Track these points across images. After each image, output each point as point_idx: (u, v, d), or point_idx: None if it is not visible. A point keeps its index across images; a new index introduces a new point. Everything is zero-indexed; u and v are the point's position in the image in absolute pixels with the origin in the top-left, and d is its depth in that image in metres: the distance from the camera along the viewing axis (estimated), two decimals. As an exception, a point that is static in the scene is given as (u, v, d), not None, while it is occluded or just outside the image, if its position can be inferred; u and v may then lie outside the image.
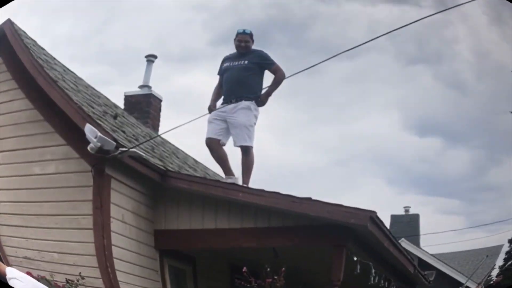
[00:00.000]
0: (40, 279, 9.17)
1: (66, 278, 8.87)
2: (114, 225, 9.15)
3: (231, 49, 10.30)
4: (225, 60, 10.21)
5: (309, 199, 9.14)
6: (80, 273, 8.91)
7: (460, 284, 21.69)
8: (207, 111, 10.03)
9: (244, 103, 9.78)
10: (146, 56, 14.74)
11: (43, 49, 11.14)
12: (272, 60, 9.95)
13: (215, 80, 10.37)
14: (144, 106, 14.28)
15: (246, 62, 9.97)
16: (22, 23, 10.54)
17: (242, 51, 10.02)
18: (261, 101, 9.80)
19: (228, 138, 10.09)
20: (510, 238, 22.92)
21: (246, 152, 9.93)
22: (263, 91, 9.97)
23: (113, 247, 9.11)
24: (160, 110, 14.80)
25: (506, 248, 23.08)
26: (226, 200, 9.61)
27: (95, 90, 12.53)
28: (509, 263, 22.52)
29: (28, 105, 9.86)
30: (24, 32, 10.59)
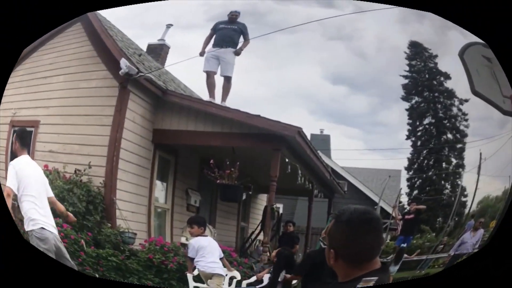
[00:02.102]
0: (53, 170, 10.30)
1: (75, 169, 10.28)
2: (127, 123, 10.65)
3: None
4: (219, 23, 12.17)
5: (258, 116, 10.96)
6: (89, 162, 10.38)
7: (371, 200, 23.02)
8: (198, 55, 11.83)
9: (231, 49, 11.82)
10: (167, 25, 17.37)
11: (108, 21, 12.68)
12: (247, 32, 11.99)
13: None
14: (159, 51, 16.60)
15: (236, 27, 12.02)
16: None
17: (233, 20, 12.08)
18: (237, 53, 11.92)
19: (218, 69, 11.92)
20: (405, 166, 24.96)
21: (228, 80, 11.89)
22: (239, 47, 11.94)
23: (122, 140, 10.56)
24: (167, 53, 16.96)
25: (405, 174, 24.83)
26: (203, 112, 11.29)
27: (132, 41, 14.14)
28: (415, 192, 24.32)
29: (91, 48, 11.37)
30: (99, 13, 11.86)
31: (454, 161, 24.29)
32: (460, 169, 23.99)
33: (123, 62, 10.34)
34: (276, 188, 11.21)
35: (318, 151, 14.35)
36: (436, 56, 23.49)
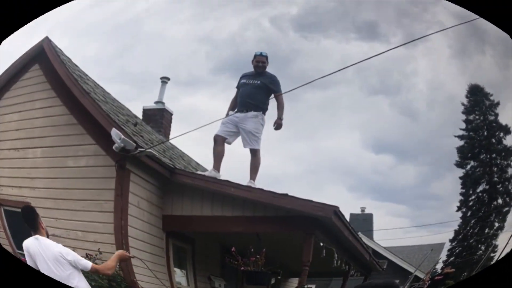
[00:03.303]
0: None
1: (86, 253, 8.87)
2: (131, 209, 9.37)
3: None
4: (243, 77, 10.21)
5: (286, 195, 9.43)
6: (99, 248, 9.03)
7: (409, 272, 21.57)
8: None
9: (252, 113, 9.84)
10: (161, 78, 15.04)
11: (76, 65, 11.28)
12: (279, 88, 9.95)
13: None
14: (158, 118, 14.54)
15: (259, 82, 9.96)
16: (56, 43, 10.74)
17: (259, 71, 10.04)
18: (277, 125, 9.85)
19: (234, 139, 10.08)
20: (451, 238, 23.28)
21: (253, 153, 9.96)
22: (276, 118, 9.92)
23: (129, 227, 9.29)
24: (171, 122, 15.00)
25: (448, 246, 23.28)
26: (220, 193, 9.79)
27: (120, 103, 12.69)
28: (452, 258, 22.95)
29: (65, 111, 10.01)
30: (60, 50, 10.73)
31: (496, 225, 22.44)
32: (499, 231, 22.32)
33: (116, 134, 8.91)
34: (308, 272, 9.88)
35: (359, 233, 12.60)
36: (497, 104, 21.35)
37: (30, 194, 10.01)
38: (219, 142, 10.03)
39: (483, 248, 23.38)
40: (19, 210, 9.61)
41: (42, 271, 5.61)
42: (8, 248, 9.72)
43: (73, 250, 8.70)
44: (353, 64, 7.58)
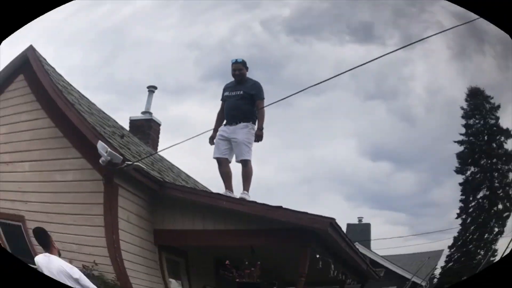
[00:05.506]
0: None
1: (82, 264, 8.68)
2: (121, 224, 9.00)
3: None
4: (226, 89, 9.68)
5: (280, 207, 9.00)
6: (94, 260, 8.80)
7: (406, 279, 21.17)
8: (209, 141, 9.57)
9: (242, 124, 9.28)
10: (148, 87, 14.48)
11: (61, 75, 10.85)
12: (261, 94, 9.42)
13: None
14: (146, 129, 13.98)
15: (241, 92, 9.42)
16: (40, 51, 10.33)
17: (238, 79, 9.49)
18: (257, 137, 9.26)
19: (232, 156, 9.53)
20: (449, 244, 22.66)
21: (245, 164, 9.40)
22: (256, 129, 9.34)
23: (120, 241, 8.95)
24: (159, 132, 14.45)
25: (446, 252, 22.82)
26: (212, 207, 9.38)
27: (106, 114, 12.25)
28: (450, 264, 22.34)
29: (50, 124, 9.63)
30: (44, 59, 10.31)
31: (496, 230, 21.84)
32: (499, 236, 21.81)
33: (102, 147, 8.61)
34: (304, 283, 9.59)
35: (356, 243, 11.97)
36: (498, 107, 20.64)
37: (22, 208, 9.81)
38: (223, 164, 9.47)
39: (482, 253, 22.98)
40: (13, 223, 9.83)
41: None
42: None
43: (70, 263, 8.26)
44: (349, 70, 7.23)
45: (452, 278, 19.61)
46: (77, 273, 6.30)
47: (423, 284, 19.87)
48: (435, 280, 21.65)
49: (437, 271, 21.85)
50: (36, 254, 9.07)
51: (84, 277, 6.38)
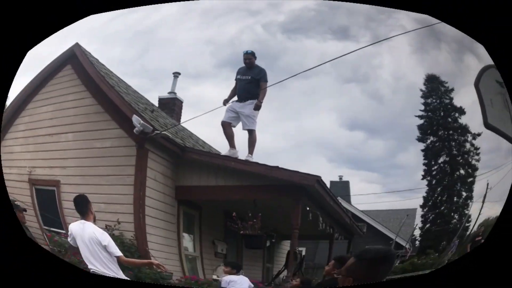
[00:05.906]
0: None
1: (105, 224, 9.40)
2: (149, 182, 9.98)
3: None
4: (238, 72, 10.87)
5: (277, 167, 10.15)
6: (118, 219, 9.66)
7: (387, 237, 22.08)
8: (222, 104, 10.69)
9: (249, 101, 10.53)
10: (173, 73, 15.84)
11: (103, 65, 11.84)
12: (264, 77, 10.57)
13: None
14: (171, 105, 15.22)
15: (249, 77, 10.65)
16: (85, 47, 11.35)
17: (248, 66, 10.72)
18: (256, 106, 10.47)
19: (237, 123, 10.72)
20: (421, 204, 23.83)
21: (250, 133, 10.63)
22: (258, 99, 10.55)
23: (146, 198, 9.89)
24: (181, 108, 15.65)
25: (420, 212, 23.63)
26: (223, 167, 10.50)
27: (139, 94, 13.26)
28: (428, 225, 23.38)
29: (94, 102, 10.63)
30: (89, 53, 11.35)
31: (464, 194, 23.18)
32: (469, 201, 22.97)
33: (136, 120, 9.57)
34: (298, 235, 10.49)
35: (338, 198, 13.38)
36: (452, 90, 22.30)
37: (61, 173, 10.59)
38: (226, 127, 10.74)
39: (456, 217, 23.72)
40: (48, 188, 10.54)
41: (80, 249, 6.00)
42: (36, 224, 10.33)
43: (94, 222, 9.26)
44: (330, 61, 8.40)
45: (433, 242, 20.22)
46: (106, 240, 6.03)
47: (407, 246, 20.35)
48: (417, 243, 22.45)
49: (417, 232, 22.92)
50: (65, 221, 9.76)
51: (113, 243, 6.11)
